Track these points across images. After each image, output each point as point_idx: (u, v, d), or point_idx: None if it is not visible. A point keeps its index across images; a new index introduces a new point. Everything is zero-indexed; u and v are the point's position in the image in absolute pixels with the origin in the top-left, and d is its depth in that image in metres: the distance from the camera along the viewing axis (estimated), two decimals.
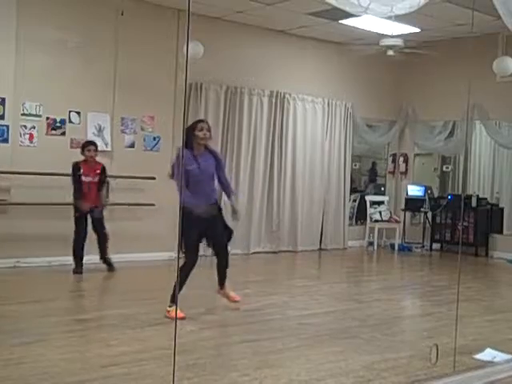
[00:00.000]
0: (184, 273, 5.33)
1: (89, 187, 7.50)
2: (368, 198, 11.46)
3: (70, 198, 7.53)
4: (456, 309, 4.75)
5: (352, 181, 11.62)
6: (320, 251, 10.61)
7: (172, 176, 5.56)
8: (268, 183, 10.03)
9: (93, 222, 7.60)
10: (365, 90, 11.13)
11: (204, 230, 5.55)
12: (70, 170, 7.45)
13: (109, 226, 7.98)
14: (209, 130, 5.60)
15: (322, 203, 10.70)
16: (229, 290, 5.94)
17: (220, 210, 5.82)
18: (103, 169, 7.69)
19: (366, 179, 13.44)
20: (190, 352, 4.50)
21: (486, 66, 8.40)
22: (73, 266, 7.44)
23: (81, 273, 7.37)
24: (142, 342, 4.78)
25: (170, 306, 5.36)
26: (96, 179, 7.57)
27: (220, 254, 5.78)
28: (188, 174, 5.41)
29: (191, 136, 5.50)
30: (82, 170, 7.47)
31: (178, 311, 5.16)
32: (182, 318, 5.20)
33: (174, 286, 5.12)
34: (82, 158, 7.56)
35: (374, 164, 13.03)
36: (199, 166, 5.49)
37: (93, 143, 7.68)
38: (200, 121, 5.80)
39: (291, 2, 8.44)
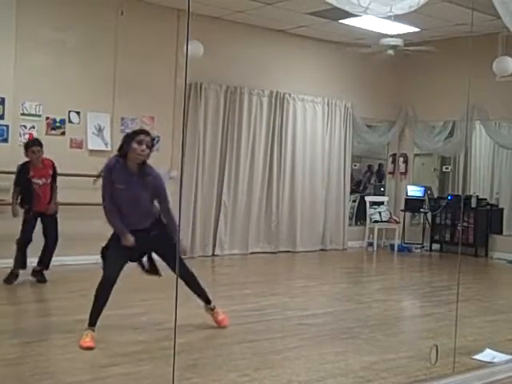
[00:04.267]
0: None
1: (42, 190, 6.84)
2: (368, 199, 11.46)
3: (74, 198, 7.51)
4: (456, 309, 4.76)
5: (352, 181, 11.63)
6: (320, 252, 10.60)
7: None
8: (267, 183, 10.02)
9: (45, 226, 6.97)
10: (365, 90, 11.14)
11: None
12: (16, 171, 6.85)
13: (109, 226, 7.94)
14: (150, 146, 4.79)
15: (321, 204, 10.69)
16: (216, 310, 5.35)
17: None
18: (54, 167, 6.94)
19: (364, 180, 13.44)
20: (189, 352, 4.50)
21: (485, 66, 8.40)
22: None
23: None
24: (142, 342, 4.78)
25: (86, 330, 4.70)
26: (49, 181, 6.90)
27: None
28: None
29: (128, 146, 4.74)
30: (31, 173, 6.77)
31: (88, 340, 4.61)
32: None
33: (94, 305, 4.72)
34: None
35: (380, 166, 12.99)
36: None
37: (37, 143, 6.82)
38: (142, 132, 4.88)
39: (291, 1, 8.44)
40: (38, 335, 4.86)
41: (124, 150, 4.75)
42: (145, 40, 8.66)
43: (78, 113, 8.25)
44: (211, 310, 5.31)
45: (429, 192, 11.31)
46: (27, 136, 7.83)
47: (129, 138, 4.76)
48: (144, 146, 4.71)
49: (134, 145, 4.69)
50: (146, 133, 4.85)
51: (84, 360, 4.34)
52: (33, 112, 7.90)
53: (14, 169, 7.57)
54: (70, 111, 8.19)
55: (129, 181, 4.76)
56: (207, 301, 5.29)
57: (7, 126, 7.71)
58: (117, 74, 8.47)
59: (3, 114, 7.68)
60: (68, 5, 8.09)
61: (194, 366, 4.24)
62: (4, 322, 5.25)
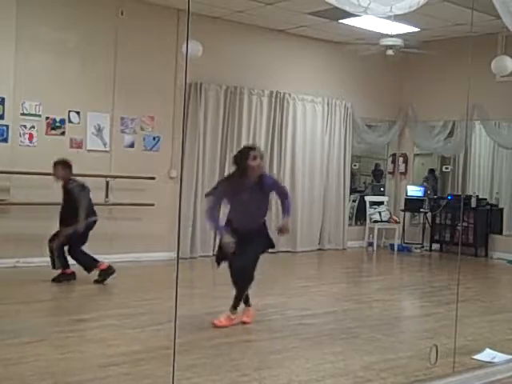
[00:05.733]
0: None
1: None
2: (367, 199, 11.46)
3: None
4: (455, 309, 4.75)
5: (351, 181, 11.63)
6: (319, 252, 10.61)
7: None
8: None
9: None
10: (365, 90, 11.13)
11: None
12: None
13: (109, 226, 7.97)
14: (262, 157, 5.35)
15: (321, 203, 10.70)
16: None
17: None
18: None
19: (365, 179, 13.44)
20: (189, 352, 4.50)
21: (485, 66, 8.41)
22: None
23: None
24: (142, 342, 4.78)
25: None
26: None
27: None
28: None
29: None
30: None
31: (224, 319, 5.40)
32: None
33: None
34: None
35: (377, 165, 13.02)
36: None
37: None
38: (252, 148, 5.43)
39: (291, 1, 8.44)
40: (38, 335, 4.86)
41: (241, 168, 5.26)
42: (145, 40, 8.66)
43: (77, 113, 8.25)
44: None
45: (429, 192, 11.31)
46: (27, 136, 7.84)
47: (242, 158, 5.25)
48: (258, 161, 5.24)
49: (250, 162, 5.20)
50: (254, 148, 5.41)
51: (84, 360, 4.34)
52: (33, 112, 7.90)
53: (15, 169, 7.60)
54: (69, 111, 8.19)
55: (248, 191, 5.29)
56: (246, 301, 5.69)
57: (7, 126, 7.71)
58: (116, 74, 8.47)
59: (3, 114, 7.68)
60: (68, 5, 8.09)
61: (193, 365, 4.24)
62: (4, 322, 5.25)
